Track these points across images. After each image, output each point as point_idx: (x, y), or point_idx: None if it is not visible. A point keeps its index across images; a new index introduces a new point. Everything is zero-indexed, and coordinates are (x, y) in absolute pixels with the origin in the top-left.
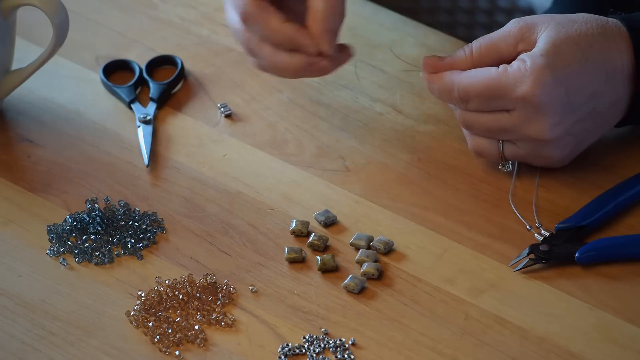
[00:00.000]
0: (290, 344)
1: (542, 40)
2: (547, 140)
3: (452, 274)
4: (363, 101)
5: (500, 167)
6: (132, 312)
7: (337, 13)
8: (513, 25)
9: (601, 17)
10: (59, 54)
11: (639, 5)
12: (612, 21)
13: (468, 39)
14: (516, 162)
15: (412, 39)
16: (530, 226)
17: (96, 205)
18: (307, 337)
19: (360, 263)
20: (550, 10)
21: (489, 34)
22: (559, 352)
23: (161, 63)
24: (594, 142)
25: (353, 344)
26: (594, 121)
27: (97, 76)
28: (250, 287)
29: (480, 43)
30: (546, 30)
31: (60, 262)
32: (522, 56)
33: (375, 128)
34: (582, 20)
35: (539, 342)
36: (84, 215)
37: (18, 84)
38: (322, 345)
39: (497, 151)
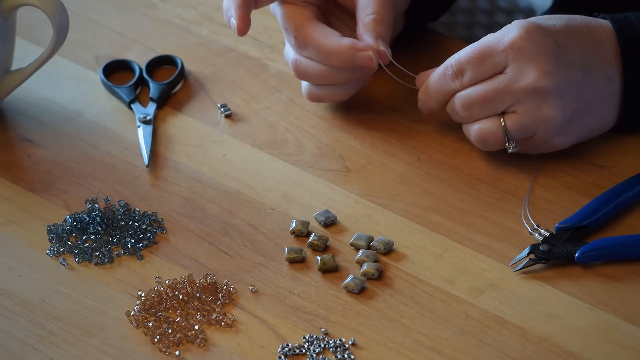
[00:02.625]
0: (290, 344)
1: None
2: (544, 90)
3: (452, 274)
4: (364, 101)
5: (507, 148)
6: (132, 312)
7: (387, 22)
8: None
9: None
10: (59, 54)
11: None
12: (594, 18)
13: (468, 39)
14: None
15: (413, 39)
16: (532, 230)
17: (96, 205)
18: (307, 337)
19: (360, 263)
20: (550, 10)
21: None
22: (559, 352)
23: (161, 63)
24: (594, 135)
25: (353, 344)
26: (592, 91)
27: (97, 76)
28: (250, 287)
29: None
30: None
31: (60, 262)
32: None
33: (375, 128)
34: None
35: (539, 342)
36: (84, 215)
37: (18, 84)
38: (322, 345)
39: (501, 129)
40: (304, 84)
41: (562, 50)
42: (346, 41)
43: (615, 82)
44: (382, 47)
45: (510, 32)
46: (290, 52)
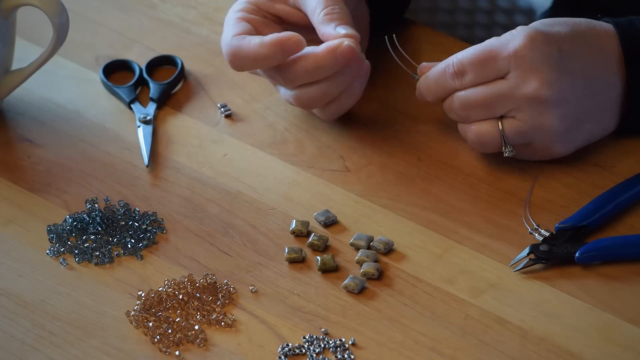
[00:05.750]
0: (290, 344)
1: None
2: (545, 99)
3: (452, 274)
4: (364, 101)
5: (503, 152)
6: (132, 312)
7: (341, 11)
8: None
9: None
10: (59, 54)
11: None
12: (599, 21)
13: (468, 39)
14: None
15: (412, 39)
16: (532, 230)
17: (96, 205)
18: (307, 337)
19: (360, 263)
20: (550, 10)
21: None
22: (559, 352)
23: (161, 63)
24: (594, 140)
25: (353, 344)
26: (593, 99)
27: (97, 76)
28: (250, 287)
29: None
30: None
31: (60, 262)
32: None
33: (375, 128)
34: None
35: (539, 342)
36: (84, 215)
37: (18, 84)
38: (322, 345)
39: (498, 132)
40: (318, 111)
41: (565, 59)
42: (321, 48)
43: (617, 88)
44: (344, 31)
45: (515, 38)
46: (286, 92)
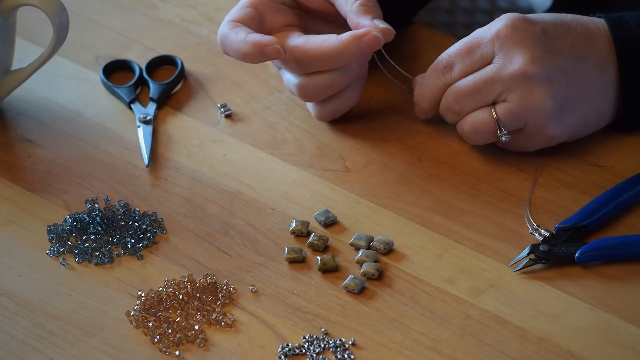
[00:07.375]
0: (290, 344)
1: None
2: (532, 75)
3: (452, 274)
4: (363, 101)
5: (499, 136)
6: (132, 312)
7: (374, 3)
8: None
9: None
10: (59, 54)
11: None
12: (587, 16)
13: None
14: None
15: (412, 39)
16: (533, 230)
17: (96, 205)
18: (307, 337)
19: (360, 263)
20: (549, 10)
21: None
22: (559, 352)
23: (161, 63)
24: (592, 128)
25: (353, 344)
26: (584, 80)
27: (97, 76)
28: (250, 287)
29: None
30: None
31: (60, 262)
32: None
33: (375, 128)
34: None
35: (539, 342)
36: (84, 215)
37: (18, 84)
38: (322, 345)
39: (492, 118)
40: (313, 107)
41: (550, 39)
42: (345, 36)
43: (609, 72)
44: (382, 25)
45: (497, 23)
46: (291, 79)
